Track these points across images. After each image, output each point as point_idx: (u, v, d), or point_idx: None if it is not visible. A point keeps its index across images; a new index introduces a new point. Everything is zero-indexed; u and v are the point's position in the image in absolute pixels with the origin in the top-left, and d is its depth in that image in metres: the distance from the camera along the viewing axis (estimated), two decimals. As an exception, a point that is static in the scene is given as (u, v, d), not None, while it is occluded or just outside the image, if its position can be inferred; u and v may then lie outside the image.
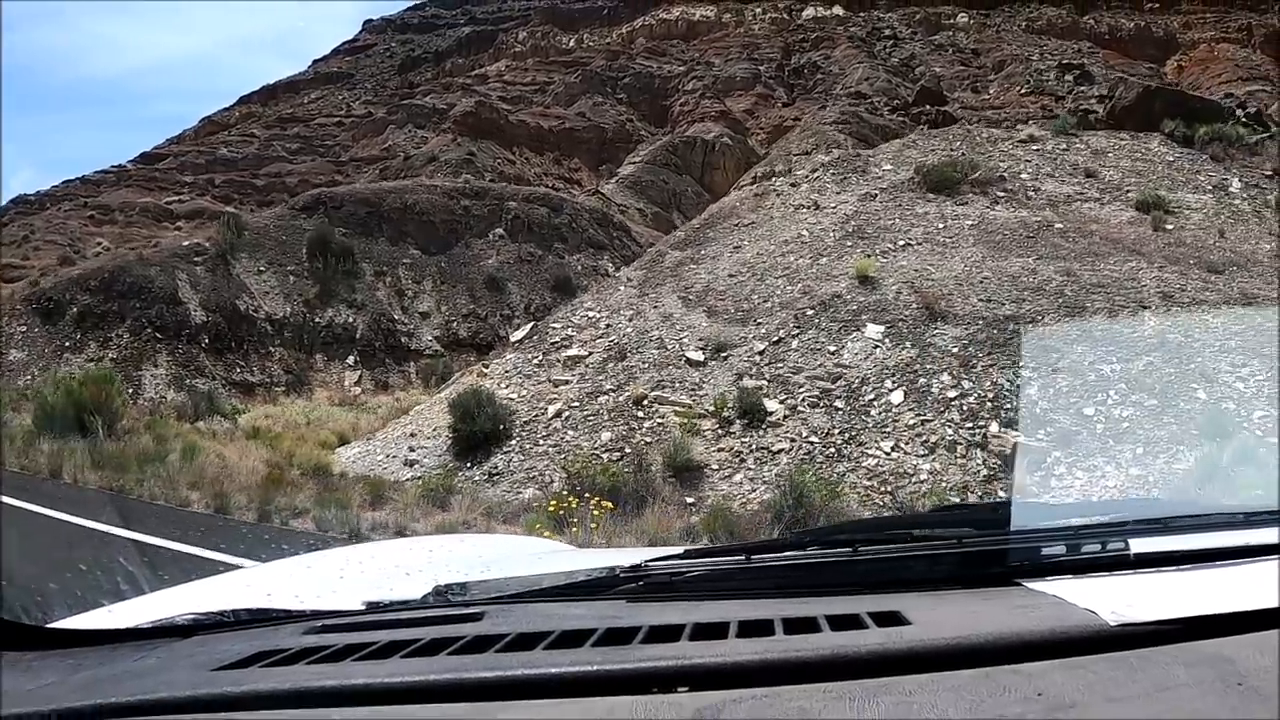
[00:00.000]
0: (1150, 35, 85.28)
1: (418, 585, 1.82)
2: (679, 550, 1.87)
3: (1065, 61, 72.62)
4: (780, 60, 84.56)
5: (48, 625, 1.53)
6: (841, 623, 1.23)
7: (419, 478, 13.40)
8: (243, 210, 48.95)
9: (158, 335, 25.48)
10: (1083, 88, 61.02)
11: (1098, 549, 1.60)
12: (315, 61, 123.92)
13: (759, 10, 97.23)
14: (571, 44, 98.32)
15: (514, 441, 14.46)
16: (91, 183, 78.98)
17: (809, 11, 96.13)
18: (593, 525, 9.19)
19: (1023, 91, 67.06)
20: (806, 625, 1.23)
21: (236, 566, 6.89)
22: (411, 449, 14.99)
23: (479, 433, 14.34)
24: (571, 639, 1.23)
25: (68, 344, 25.10)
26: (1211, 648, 1.08)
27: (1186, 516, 1.84)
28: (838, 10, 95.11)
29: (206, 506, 10.88)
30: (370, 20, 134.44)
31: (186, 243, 30.32)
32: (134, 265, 27.45)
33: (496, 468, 13.86)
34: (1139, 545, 1.57)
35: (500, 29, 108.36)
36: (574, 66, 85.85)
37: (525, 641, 1.23)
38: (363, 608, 1.67)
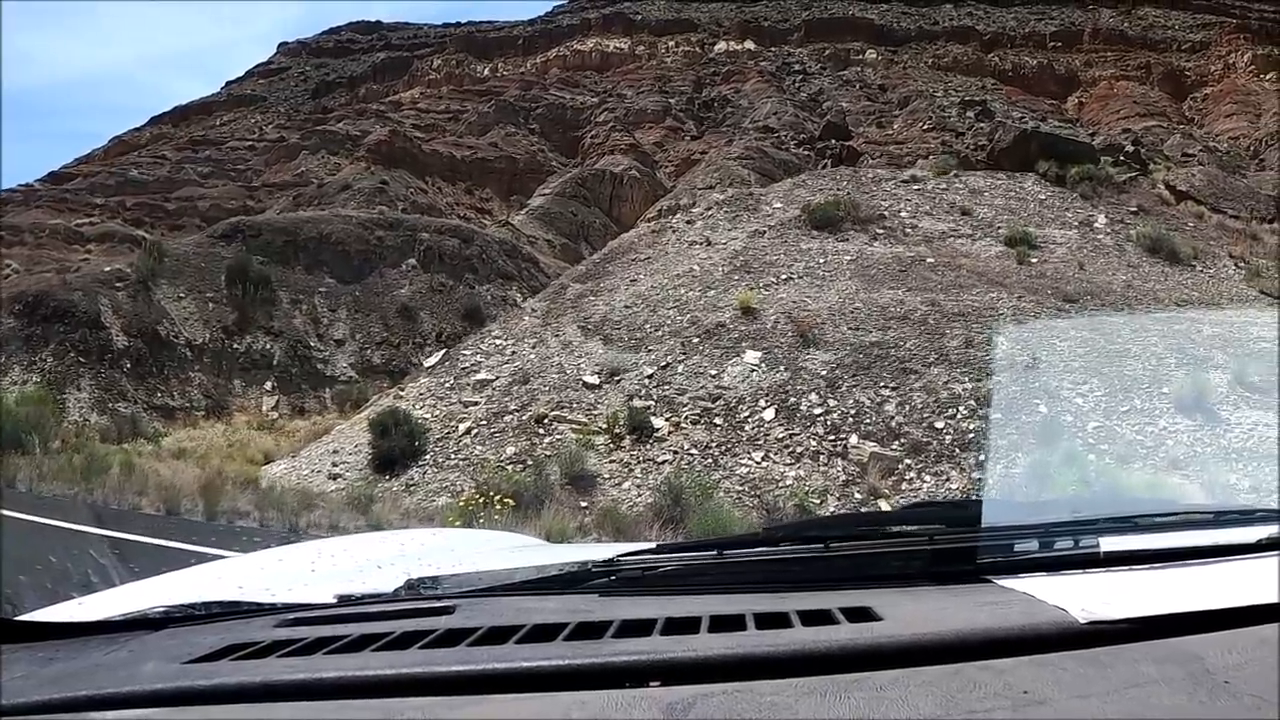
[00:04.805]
0: (1053, 72, 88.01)
1: (390, 578, 1.84)
2: (651, 545, 1.89)
3: (968, 98, 74.69)
4: (691, 93, 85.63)
5: (17, 619, 1.53)
6: (813, 618, 1.22)
7: (342, 489, 14.30)
8: (154, 234, 48.78)
9: (81, 359, 25.37)
10: (982, 124, 61.33)
11: (1068, 546, 1.62)
12: (229, 83, 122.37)
13: (672, 43, 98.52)
14: (486, 73, 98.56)
15: (428, 456, 15.29)
16: (-2, 201, 77.45)
17: (721, 46, 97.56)
18: (497, 518, 10.56)
19: (925, 127, 68.52)
20: (778, 620, 1.22)
21: (204, 555, 8.03)
22: (335, 464, 15.71)
23: (396, 449, 15.14)
24: (543, 633, 1.23)
25: (-10, 367, 24.61)
26: (1180, 645, 1.08)
27: (1157, 515, 1.85)
28: (749, 45, 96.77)
29: (158, 510, 11.82)
30: (285, 43, 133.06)
31: (109, 268, 30.00)
32: (58, 289, 27.31)
33: (413, 479, 14.69)
34: (1109, 543, 1.57)
35: (415, 55, 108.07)
36: (488, 95, 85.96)
37: (497, 635, 1.23)
38: (334, 601, 1.67)
